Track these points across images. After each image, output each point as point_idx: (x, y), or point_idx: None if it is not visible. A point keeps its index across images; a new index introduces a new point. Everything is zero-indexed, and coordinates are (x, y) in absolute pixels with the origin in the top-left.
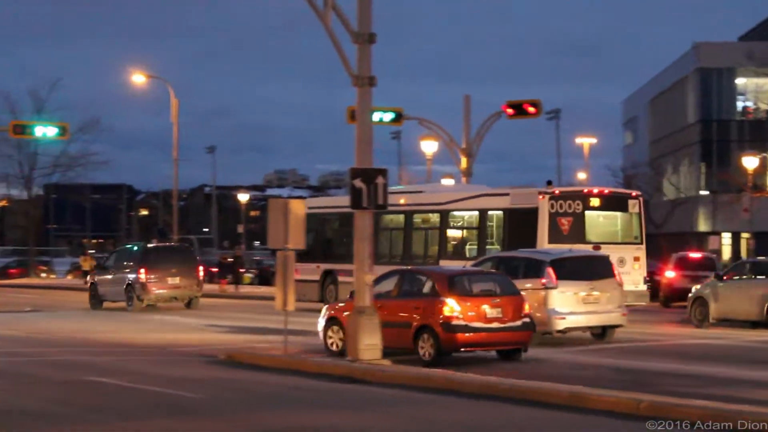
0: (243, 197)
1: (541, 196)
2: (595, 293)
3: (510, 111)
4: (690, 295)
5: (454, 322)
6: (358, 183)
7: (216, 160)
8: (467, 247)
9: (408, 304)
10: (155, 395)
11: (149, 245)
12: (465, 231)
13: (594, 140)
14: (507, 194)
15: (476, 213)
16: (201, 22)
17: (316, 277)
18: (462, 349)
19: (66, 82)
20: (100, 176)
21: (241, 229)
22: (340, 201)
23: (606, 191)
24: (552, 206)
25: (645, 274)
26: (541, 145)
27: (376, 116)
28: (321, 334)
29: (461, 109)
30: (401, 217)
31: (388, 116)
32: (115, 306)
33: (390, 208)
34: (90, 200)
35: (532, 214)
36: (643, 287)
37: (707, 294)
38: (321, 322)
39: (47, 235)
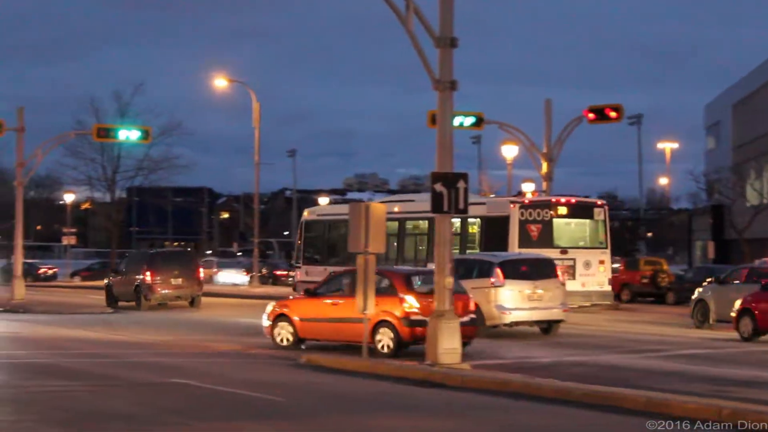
0: (323, 201)
1: (512, 205)
2: (539, 291)
3: (591, 116)
4: (693, 297)
5: (413, 317)
6: (439, 187)
7: (296, 164)
8: (478, 248)
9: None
10: (236, 398)
11: (153, 251)
12: (455, 235)
13: (676, 145)
14: (484, 203)
15: (458, 220)
16: (283, 26)
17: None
18: (420, 343)
19: (149, 86)
20: (181, 179)
21: None
22: (344, 208)
23: (573, 200)
24: (522, 214)
25: (609, 276)
26: (622, 150)
27: (456, 120)
28: (267, 330)
29: (542, 113)
30: (395, 223)
31: (469, 120)
32: (128, 305)
33: (399, 215)
34: (171, 203)
35: (505, 221)
36: (608, 288)
37: (708, 297)
38: (266, 318)
39: (129, 238)
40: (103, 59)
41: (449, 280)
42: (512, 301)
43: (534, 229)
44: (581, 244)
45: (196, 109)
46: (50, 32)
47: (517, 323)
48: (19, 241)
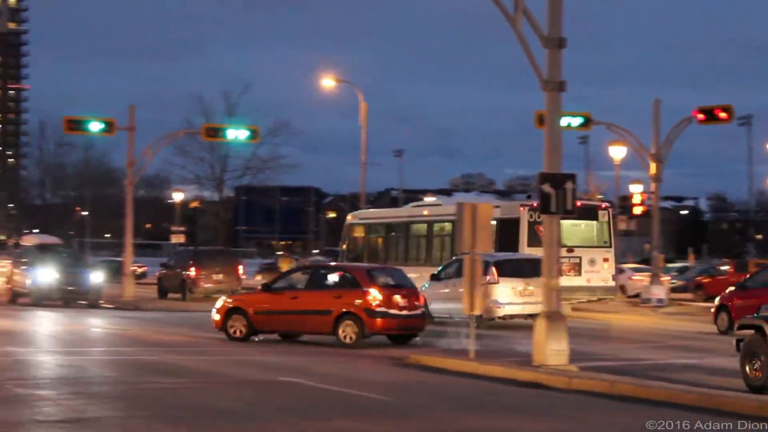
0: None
1: (521, 208)
2: (530, 288)
3: (701, 116)
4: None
5: (377, 309)
6: (547, 188)
7: (403, 164)
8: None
9: (326, 294)
10: (344, 397)
11: (198, 249)
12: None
13: None
14: (498, 206)
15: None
16: (391, 26)
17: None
18: (382, 333)
19: (257, 85)
20: (289, 179)
21: None
22: (385, 213)
23: (578, 203)
24: (531, 216)
25: (613, 272)
26: (731, 151)
27: (564, 121)
28: (216, 323)
29: (651, 113)
30: (423, 226)
31: (577, 121)
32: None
33: (416, 219)
34: (279, 202)
35: (516, 222)
36: (612, 283)
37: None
38: (215, 312)
39: (237, 236)
40: (213, 58)
41: (556, 282)
42: (506, 296)
43: (542, 230)
44: (586, 243)
45: (304, 108)
46: (161, 32)
47: (510, 316)
48: (128, 240)
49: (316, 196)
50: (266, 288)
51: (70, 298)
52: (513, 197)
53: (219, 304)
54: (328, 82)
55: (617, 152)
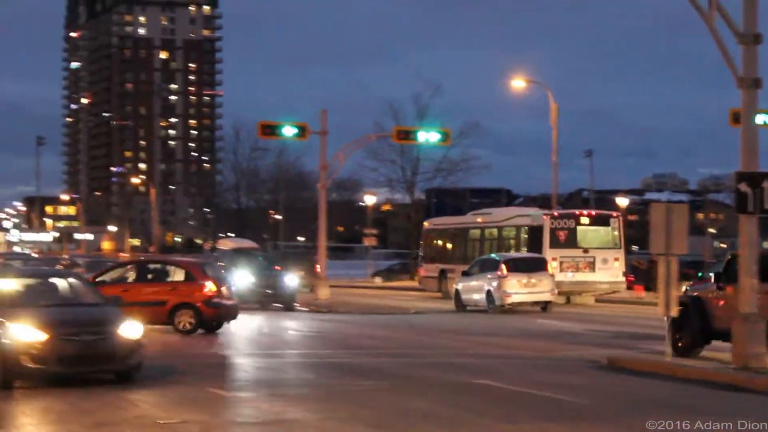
0: (621, 201)
1: (545, 217)
2: (533, 281)
3: None
4: None
5: (213, 300)
6: (744, 187)
7: (593, 164)
8: (512, 250)
9: (161, 287)
10: (537, 399)
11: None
12: (511, 240)
13: None
14: (529, 215)
15: (514, 228)
16: (580, 24)
17: (435, 275)
18: (215, 321)
19: (447, 87)
20: (479, 180)
21: None
22: (451, 220)
23: (593, 213)
24: (552, 223)
25: (623, 269)
26: None
27: (760, 118)
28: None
29: None
30: (477, 231)
31: None
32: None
33: (472, 225)
34: (469, 204)
35: (541, 229)
36: (622, 279)
37: None
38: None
39: None
40: (405, 61)
41: (754, 282)
42: (513, 287)
43: (561, 235)
44: (600, 245)
45: (495, 109)
46: (351, 37)
47: (518, 303)
48: (322, 242)
49: (506, 197)
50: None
51: (266, 301)
52: (707, 197)
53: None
54: (518, 83)
55: None
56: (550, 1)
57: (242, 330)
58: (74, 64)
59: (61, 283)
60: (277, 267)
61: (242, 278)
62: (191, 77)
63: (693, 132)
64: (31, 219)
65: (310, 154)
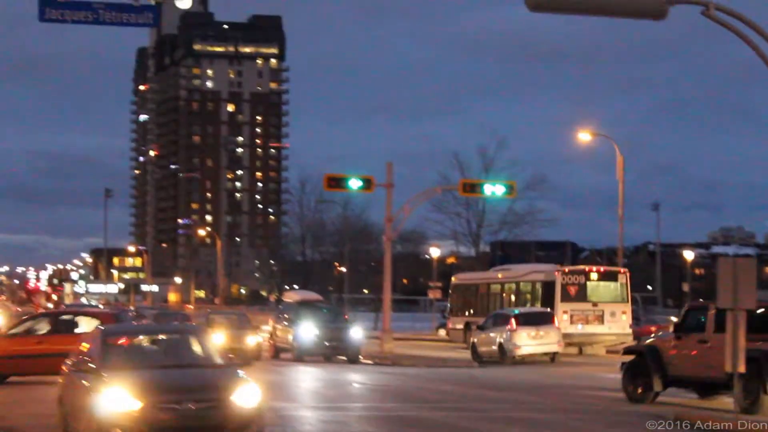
0: (688, 255)
1: (557, 273)
2: (541, 333)
3: None
4: None
5: None
6: None
7: (660, 217)
8: (528, 304)
9: (74, 338)
10: None
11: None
12: (527, 294)
13: None
14: (543, 271)
15: (530, 283)
16: (648, 78)
17: (461, 327)
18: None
19: (513, 139)
20: (545, 233)
21: (686, 287)
22: (476, 275)
23: (601, 269)
24: (563, 279)
25: (630, 322)
26: None
27: None
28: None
29: None
30: (498, 285)
31: None
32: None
33: (492, 280)
34: (535, 257)
35: (553, 284)
36: (629, 330)
37: None
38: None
39: None
40: (469, 113)
41: None
42: (523, 340)
43: (572, 289)
44: (608, 299)
45: (561, 162)
46: (417, 89)
47: (528, 355)
48: (387, 295)
49: (572, 250)
50: (4, 336)
51: (330, 353)
52: None
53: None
54: (584, 136)
55: None
56: (619, 54)
57: (306, 382)
58: (143, 117)
59: (176, 341)
60: (346, 316)
61: (307, 331)
62: (258, 129)
63: (761, 186)
64: (98, 270)
65: (376, 206)
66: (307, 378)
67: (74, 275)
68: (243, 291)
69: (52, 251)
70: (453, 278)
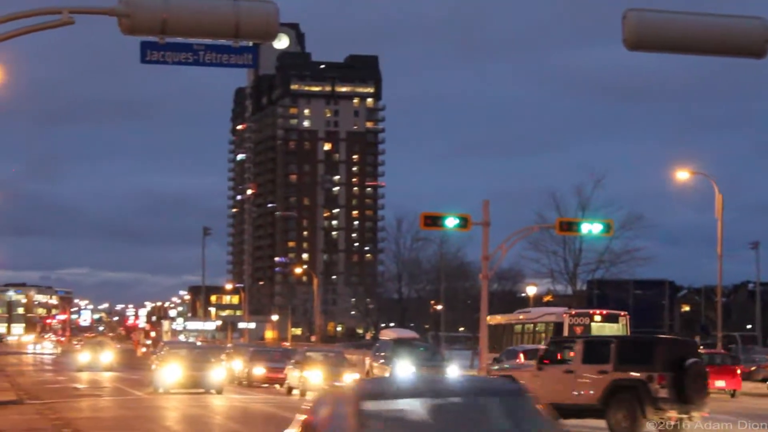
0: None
1: (565, 315)
2: None
3: None
4: None
5: None
6: None
7: (760, 256)
8: (542, 342)
9: None
10: None
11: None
12: (541, 333)
13: None
14: (554, 314)
15: (543, 324)
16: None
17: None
18: None
19: (610, 177)
20: (642, 272)
21: None
22: (503, 317)
23: (604, 312)
24: (570, 320)
25: None
26: None
27: None
28: None
29: None
30: (519, 326)
31: None
32: None
33: (515, 321)
34: (632, 296)
35: (561, 325)
36: None
37: None
38: None
39: None
40: (566, 152)
41: None
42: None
43: (578, 329)
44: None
45: (659, 200)
46: (513, 127)
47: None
48: (483, 333)
49: (670, 289)
50: None
51: None
52: None
53: None
54: (682, 174)
55: None
56: (718, 92)
57: None
58: (240, 156)
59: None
60: (442, 354)
61: (403, 369)
62: (354, 168)
63: None
64: (196, 307)
65: (472, 245)
66: None
67: (172, 312)
68: (339, 329)
69: (150, 288)
70: (488, 318)
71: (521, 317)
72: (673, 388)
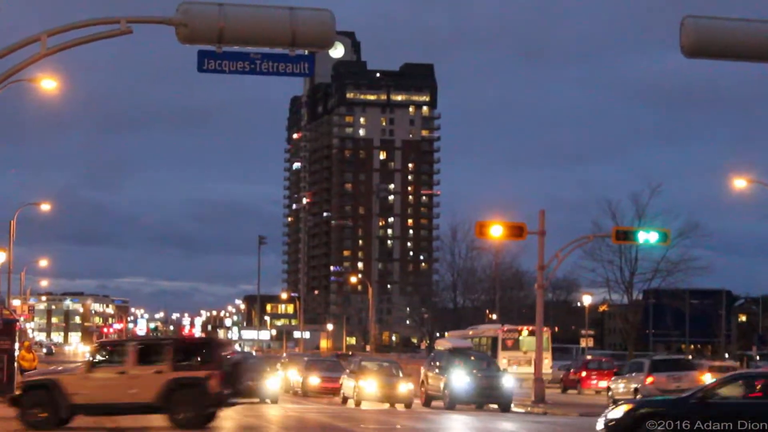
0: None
1: (498, 331)
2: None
3: None
4: None
5: None
6: None
7: None
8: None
9: None
10: None
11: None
12: (484, 346)
13: None
14: (492, 329)
15: (486, 338)
16: None
17: None
18: None
19: (667, 185)
20: (699, 281)
21: None
22: (459, 332)
23: (529, 328)
24: (503, 335)
25: (551, 364)
26: None
27: None
28: None
29: None
30: (469, 340)
31: None
32: None
33: (469, 336)
34: (689, 305)
35: (497, 338)
36: (550, 370)
37: None
38: None
39: (646, 340)
40: (622, 160)
41: None
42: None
43: (509, 342)
44: (534, 348)
45: (717, 209)
46: (568, 135)
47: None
48: (539, 343)
49: (727, 298)
50: None
51: (483, 402)
52: None
53: None
54: (739, 182)
55: None
56: None
57: (457, 431)
58: (296, 165)
59: None
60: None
61: (459, 378)
62: (409, 177)
63: None
64: (252, 316)
65: (527, 254)
66: (458, 426)
67: (228, 321)
68: (394, 338)
69: (206, 297)
70: (446, 335)
71: (470, 333)
72: (228, 383)
